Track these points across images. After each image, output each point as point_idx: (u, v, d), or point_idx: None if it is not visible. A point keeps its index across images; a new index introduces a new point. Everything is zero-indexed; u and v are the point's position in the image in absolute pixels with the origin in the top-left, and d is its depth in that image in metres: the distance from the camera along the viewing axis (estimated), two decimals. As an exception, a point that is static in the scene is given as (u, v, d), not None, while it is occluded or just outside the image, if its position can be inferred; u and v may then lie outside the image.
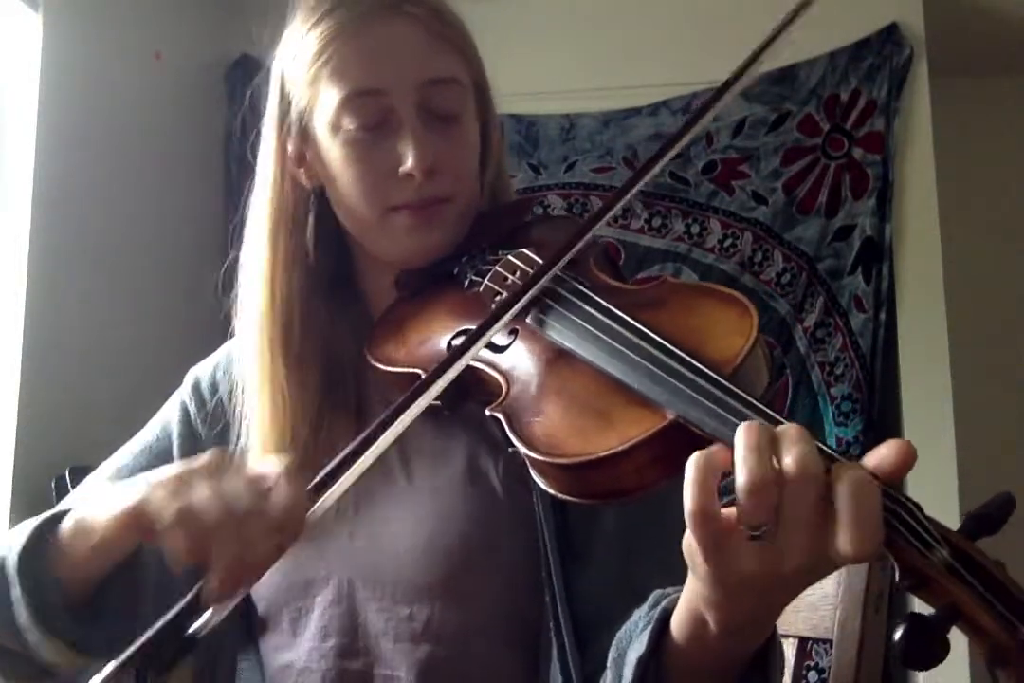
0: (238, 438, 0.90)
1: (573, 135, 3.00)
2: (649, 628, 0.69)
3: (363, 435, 0.69)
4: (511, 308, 0.74)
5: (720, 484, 0.57)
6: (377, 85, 0.85)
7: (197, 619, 0.62)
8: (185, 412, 0.97)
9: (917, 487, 2.71)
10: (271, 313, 0.89)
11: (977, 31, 3.04)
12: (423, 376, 0.77)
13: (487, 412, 0.72)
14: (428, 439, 0.87)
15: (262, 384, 0.88)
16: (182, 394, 0.99)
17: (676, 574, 0.64)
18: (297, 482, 0.65)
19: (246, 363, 0.91)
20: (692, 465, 0.56)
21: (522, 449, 0.67)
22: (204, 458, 0.69)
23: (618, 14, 3.02)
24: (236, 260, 0.95)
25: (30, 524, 0.75)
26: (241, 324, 0.93)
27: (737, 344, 0.65)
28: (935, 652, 0.51)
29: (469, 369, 0.77)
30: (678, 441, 0.60)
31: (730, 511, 0.56)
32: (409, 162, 0.84)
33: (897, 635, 0.51)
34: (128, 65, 2.67)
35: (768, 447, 0.55)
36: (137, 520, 0.67)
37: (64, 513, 0.75)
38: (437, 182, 0.86)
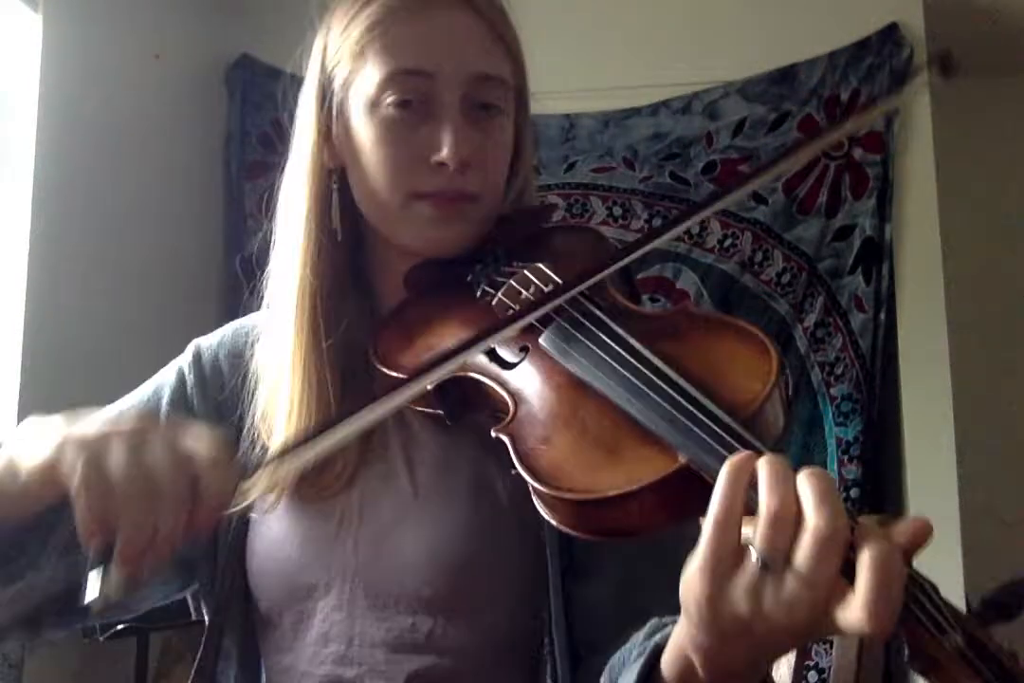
0: (240, 419, 0.89)
1: (573, 135, 3.00)
2: (641, 660, 0.68)
3: (316, 426, 0.67)
4: (517, 321, 0.73)
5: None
6: (426, 67, 0.83)
7: (88, 590, 0.60)
8: (181, 381, 0.96)
9: (917, 487, 2.72)
10: (303, 295, 0.89)
11: (977, 31, 3.04)
12: (429, 386, 0.76)
13: (492, 433, 0.70)
14: (435, 450, 0.86)
15: (292, 366, 0.87)
16: (181, 362, 0.98)
17: (676, 599, 0.63)
18: (226, 464, 0.63)
19: (276, 343, 0.90)
20: (727, 470, 0.55)
21: (526, 477, 0.65)
22: (133, 419, 0.66)
23: (618, 14, 3.02)
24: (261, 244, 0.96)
25: None
26: (272, 304, 0.92)
27: (755, 388, 0.63)
28: None
29: (473, 381, 0.75)
30: (688, 485, 0.59)
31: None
32: (445, 151, 0.82)
33: None
34: (128, 65, 2.67)
35: (794, 483, 0.54)
36: (50, 473, 0.64)
37: None
38: (468, 177, 0.84)
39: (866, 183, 2.83)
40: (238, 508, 0.65)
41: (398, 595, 0.82)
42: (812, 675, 2.56)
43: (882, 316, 2.78)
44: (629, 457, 0.63)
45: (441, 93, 0.83)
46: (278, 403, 0.87)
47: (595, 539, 0.65)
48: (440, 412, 0.80)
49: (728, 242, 2.90)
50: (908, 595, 0.53)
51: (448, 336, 0.81)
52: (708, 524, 0.55)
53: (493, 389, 0.74)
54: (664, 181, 2.95)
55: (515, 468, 0.66)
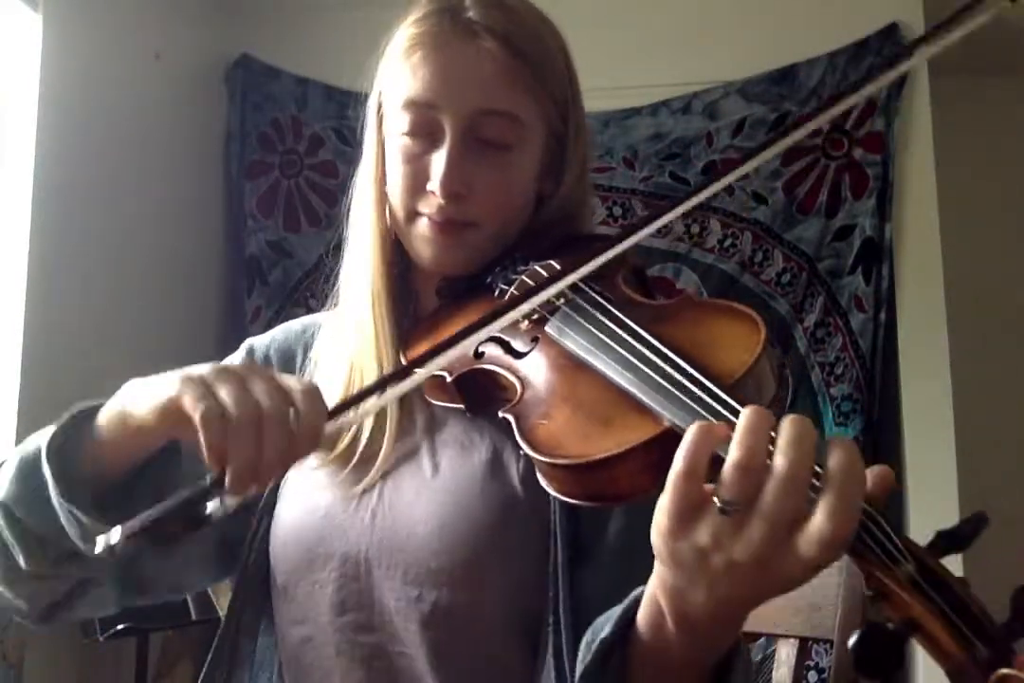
0: None
1: (573, 135, 3.00)
2: (618, 615, 0.71)
3: (381, 377, 0.76)
4: (518, 305, 0.77)
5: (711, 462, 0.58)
6: (432, 99, 0.88)
7: (208, 505, 0.67)
8: None
9: (917, 488, 2.72)
10: (375, 295, 0.94)
11: (977, 31, 3.04)
12: (448, 378, 0.83)
13: (500, 414, 0.75)
14: (457, 432, 0.91)
15: (353, 363, 0.93)
16: (234, 358, 1.04)
17: None
18: (319, 399, 0.70)
19: (341, 339, 0.96)
20: (692, 431, 0.58)
21: (526, 449, 0.70)
22: (235, 362, 0.71)
23: (618, 14, 3.02)
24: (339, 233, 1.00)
25: (69, 412, 0.80)
26: (343, 303, 0.98)
27: (741, 358, 0.66)
28: (888, 661, 0.52)
29: (490, 373, 0.81)
30: (673, 448, 0.61)
31: (709, 487, 0.58)
32: (434, 182, 0.88)
33: (852, 640, 0.52)
34: (128, 65, 2.67)
35: (767, 434, 0.57)
36: (170, 411, 0.71)
37: (99, 405, 0.79)
38: (462, 206, 0.89)
39: (866, 183, 2.83)
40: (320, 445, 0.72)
41: (408, 565, 0.85)
42: (812, 675, 2.56)
43: (882, 316, 2.78)
44: (619, 425, 0.67)
45: (444, 125, 0.88)
46: (329, 392, 0.92)
47: (591, 504, 0.69)
48: (461, 406, 0.86)
49: (728, 242, 2.91)
50: (860, 525, 0.55)
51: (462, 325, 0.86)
52: (673, 466, 0.58)
53: (506, 378, 0.80)
54: (664, 181, 2.95)
55: (519, 444, 0.71)
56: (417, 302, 1.00)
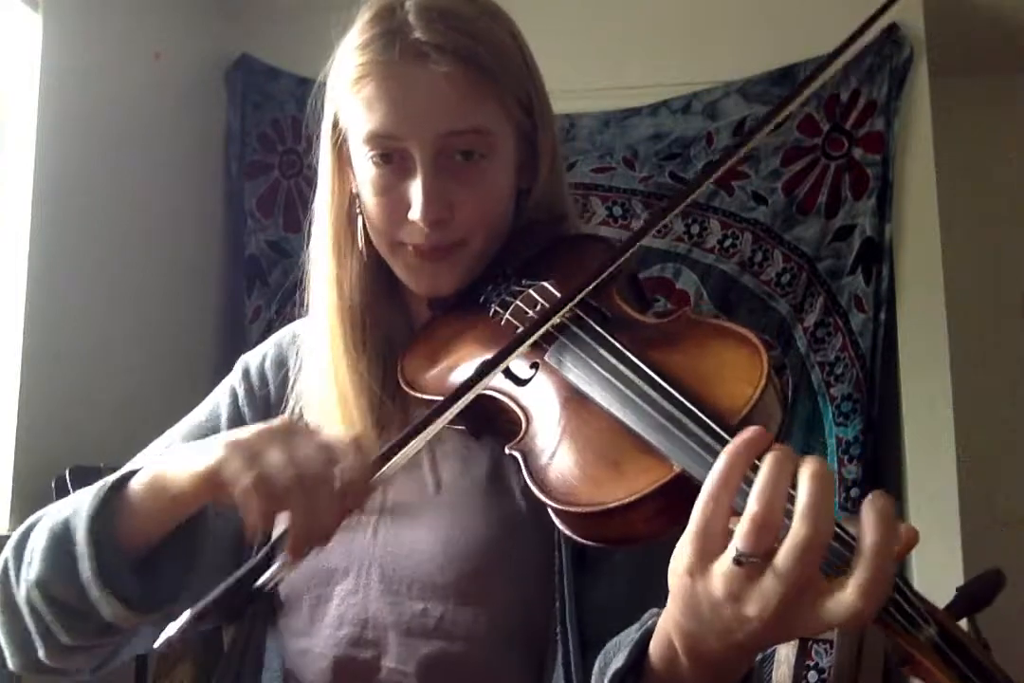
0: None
1: (573, 135, 3.00)
2: (631, 644, 0.71)
3: (411, 427, 0.74)
4: (522, 342, 0.76)
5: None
6: (393, 133, 0.86)
7: (263, 575, 0.67)
8: (234, 396, 1.02)
9: (917, 488, 2.72)
10: (338, 313, 0.93)
11: (977, 31, 3.04)
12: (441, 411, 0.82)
13: (507, 450, 0.74)
14: (458, 448, 0.91)
15: (330, 369, 0.93)
16: (232, 380, 1.04)
17: None
18: (364, 452, 0.70)
19: (315, 349, 0.95)
20: (709, 485, 0.58)
21: (537, 494, 0.70)
22: (277, 422, 0.73)
23: (618, 14, 3.02)
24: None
25: (98, 484, 0.79)
26: (311, 320, 0.97)
27: (745, 393, 0.65)
28: None
29: (491, 399, 0.80)
30: (684, 493, 0.61)
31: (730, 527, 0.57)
32: (415, 212, 0.86)
33: None
34: (128, 65, 2.67)
35: (786, 487, 0.56)
36: (213, 481, 0.70)
37: (132, 473, 0.78)
38: (448, 230, 0.88)
39: (866, 183, 2.83)
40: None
41: (411, 581, 0.85)
42: (812, 675, 2.56)
43: (882, 316, 2.78)
44: (629, 468, 0.66)
45: (413, 153, 0.86)
46: (318, 410, 0.92)
47: (605, 547, 0.68)
48: (463, 428, 0.85)
49: (728, 242, 2.90)
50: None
51: (468, 357, 0.86)
52: (698, 500, 0.58)
53: (508, 406, 0.79)
54: (664, 181, 2.95)
55: (527, 484, 0.71)
56: (409, 311, 0.99)
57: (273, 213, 3.12)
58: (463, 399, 0.74)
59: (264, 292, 3.08)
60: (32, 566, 0.78)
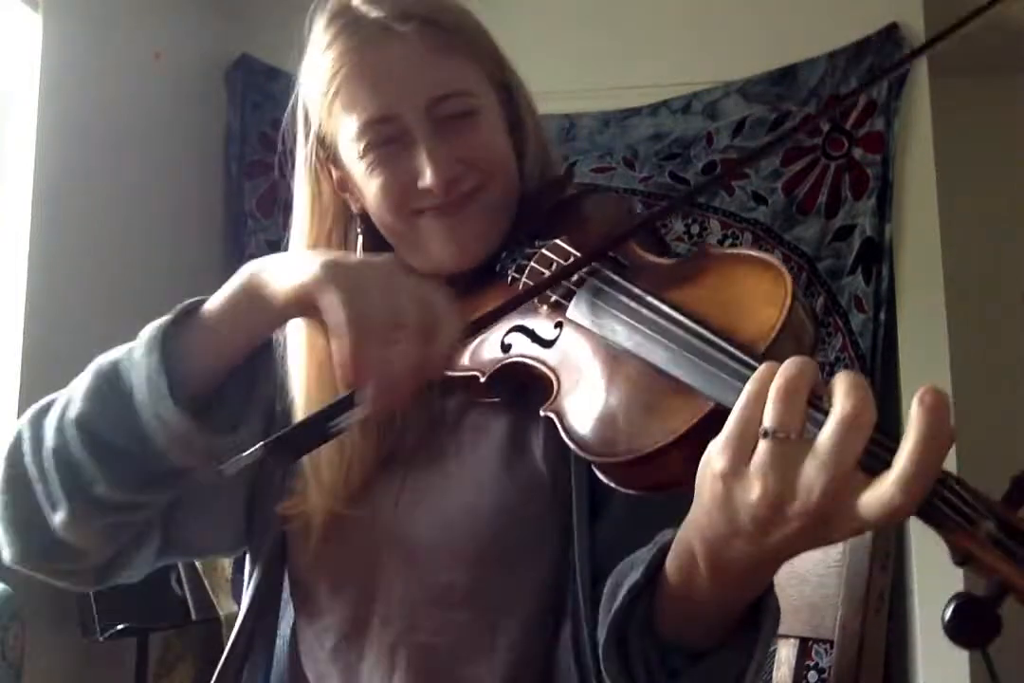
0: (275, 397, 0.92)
1: (573, 135, 3.00)
2: (647, 561, 0.70)
3: (503, 302, 0.75)
4: (531, 295, 0.77)
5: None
6: (386, 112, 0.86)
7: (336, 419, 0.66)
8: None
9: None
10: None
11: (977, 31, 3.04)
12: (482, 378, 0.81)
13: (541, 412, 0.73)
14: (474, 416, 0.90)
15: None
16: None
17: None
18: (458, 316, 0.69)
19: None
20: (744, 395, 0.57)
21: (576, 451, 0.69)
22: (381, 259, 0.72)
23: (618, 14, 3.02)
24: None
25: (152, 325, 0.78)
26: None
27: (772, 316, 0.64)
28: (985, 631, 0.50)
29: (521, 365, 0.79)
30: (721, 426, 0.59)
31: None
32: (427, 179, 0.85)
33: (946, 615, 0.50)
34: (128, 65, 2.67)
35: (815, 373, 0.56)
36: (306, 301, 0.68)
37: (197, 303, 0.80)
38: (461, 183, 0.87)
39: (866, 183, 2.83)
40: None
41: (434, 552, 0.85)
42: (812, 675, 2.56)
43: (882, 316, 2.78)
44: (663, 409, 0.65)
45: (408, 125, 0.86)
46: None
47: (655, 493, 0.67)
48: (497, 400, 0.85)
49: (728, 242, 2.90)
50: (933, 492, 0.52)
51: (493, 327, 0.85)
52: (736, 404, 0.57)
53: (539, 370, 0.78)
54: (664, 181, 2.95)
55: (565, 443, 0.70)
56: None
57: (273, 213, 3.12)
58: (552, 282, 0.75)
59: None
60: (71, 407, 0.75)
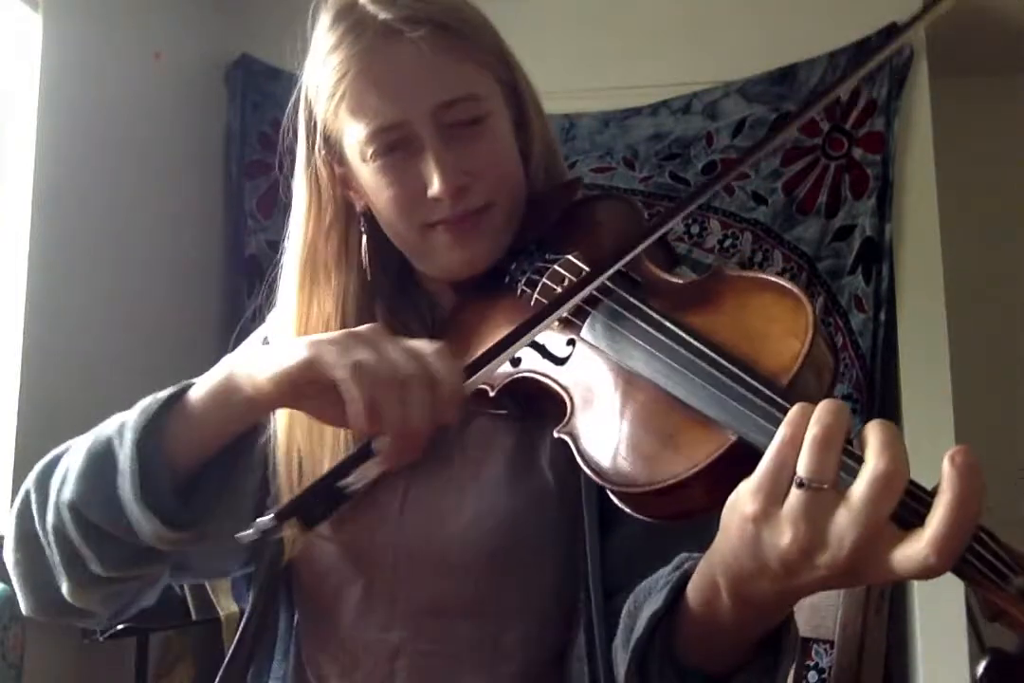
0: None
1: (573, 135, 3.00)
2: (668, 587, 0.70)
3: (504, 337, 0.74)
4: (548, 318, 0.75)
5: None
6: (394, 119, 0.85)
7: (347, 479, 0.66)
8: None
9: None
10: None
11: (977, 31, 3.04)
12: (491, 392, 0.80)
13: (555, 434, 0.72)
14: (482, 425, 0.89)
15: None
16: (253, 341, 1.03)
17: (699, 540, 0.65)
18: (453, 360, 0.69)
19: None
20: (778, 439, 0.56)
21: (593, 478, 0.67)
22: (363, 328, 0.72)
23: (618, 14, 3.02)
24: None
25: (145, 401, 0.78)
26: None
27: (793, 348, 0.63)
28: None
29: (532, 381, 0.78)
30: (742, 459, 0.59)
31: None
32: (435, 186, 0.85)
33: (978, 671, 0.50)
34: (128, 65, 2.67)
35: (848, 417, 0.56)
36: (303, 376, 0.69)
37: (186, 387, 0.78)
38: (471, 195, 0.86)
39: (866, 183, 2.83)
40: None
41: (439, 559, 0.84)
42: (812, 675, 2.56)
43: (882, 316, 2.78)
44: (683, 441, 0.64)
45: (416, 132, 0.85)
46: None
47: (672, 523, 0.66)
48: (505, 412, 0.84)
49: (728, 242, 2.90)
50: (967, 548, 0.52)
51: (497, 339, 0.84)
52: (769, 448, 0.57)
53: (550, 387, 0.76)
54: (664, 181, 2.95)
55: (581, 470, 0.69)
56: (432, 304, 0.97)
57: (273, 213, 3.12)
58: (552, 315, 0.73)
59: (264, 292, 3.07)
60: (66, 487, 0.76)
